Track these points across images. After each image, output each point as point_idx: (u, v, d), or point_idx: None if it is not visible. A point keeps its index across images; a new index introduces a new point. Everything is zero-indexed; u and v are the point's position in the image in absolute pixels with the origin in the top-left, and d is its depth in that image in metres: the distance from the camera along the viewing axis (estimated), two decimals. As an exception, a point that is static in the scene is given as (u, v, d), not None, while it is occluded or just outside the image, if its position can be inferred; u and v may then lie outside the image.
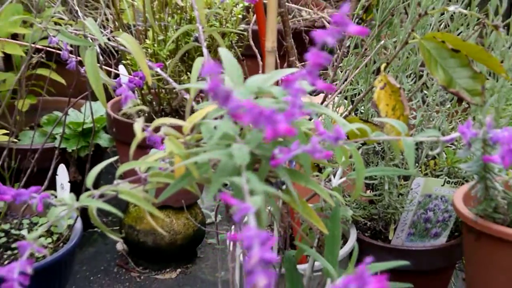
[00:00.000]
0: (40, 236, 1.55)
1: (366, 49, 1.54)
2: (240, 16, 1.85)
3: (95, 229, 2.11)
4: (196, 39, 1.11)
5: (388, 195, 1.63)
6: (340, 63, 1.53)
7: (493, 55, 1.35)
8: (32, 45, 1.70)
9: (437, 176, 1.65)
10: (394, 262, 1.05)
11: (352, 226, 1.62)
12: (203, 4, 1.13)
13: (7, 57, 2.34)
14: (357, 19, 1.52)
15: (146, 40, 1.85)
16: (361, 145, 1.59)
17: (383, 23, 1.52)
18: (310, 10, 2.59)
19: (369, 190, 1.69)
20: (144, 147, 0.87)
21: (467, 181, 1.61)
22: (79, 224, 1.62)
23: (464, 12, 1.25)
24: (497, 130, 0.79)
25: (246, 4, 1.86)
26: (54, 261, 1.51)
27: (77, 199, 0.79)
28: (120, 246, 2.04)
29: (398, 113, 1.20)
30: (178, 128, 0.81)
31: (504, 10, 1.45)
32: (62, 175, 1.62)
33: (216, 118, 0.78)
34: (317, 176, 1.25)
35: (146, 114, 1.89)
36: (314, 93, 1.65)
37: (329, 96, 1.49)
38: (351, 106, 1.48)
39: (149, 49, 1.83)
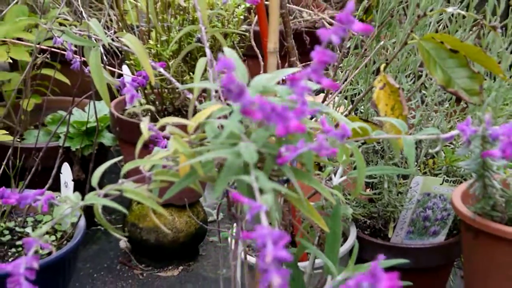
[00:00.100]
0: (44, 234, 1.57)
1: (366, 50, 1.55)
2: (242, 17, 1.85)
3: (99, 227, 2.12)
4: (199, 40, 1.12)
5: (387, 193, 1.64)
6: (340, 63, 1.53)
7: (491, 56, 1.36)
8: (37, 45, 1.71)
9: (436, 175, 1.66)
10: (394, 260, 1.05)
11: (352, 224, 1.62)
12: (205, 5, 1.13)
13: (13, 58, 2.36)
14: (357, 20, 1.53)
15: (149, 40, 1.85)
16: (361, 144, 1.60)
17: (383, 24, 1.53)
18: (311, 12, 2.59)
19: (369, 189, 1.69)
20: (147, 146, 0.88)
21: (465, 179, 1.62)
22: (82, 222, 1.62)
23: (462, 13, 1.26)
24: (496, 127, 0.80)
25: (248, 5, 1.87)
26: (58, 258, 1.52)
27: (82, 198, 0.80)
28: (123, 244, 2.04)
29: (397, 113, 1.21)
30: (182, 127, 0.82)
31: (501, 12, 1.46)
32: (66, 173, 1.63)
33: (219, 118, 0.78)
34: (318, 174, 1.26)
35: (149, 114, 1.90)
36: (313, 92, 1.66)
37: (330, 95, 1.50)
38: (351, 106, 1.49)
39: (152, 50, 1.83)
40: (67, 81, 2.15)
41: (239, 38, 1.91)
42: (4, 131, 1.83)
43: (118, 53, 2.16)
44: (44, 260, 1.49)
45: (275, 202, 0.81)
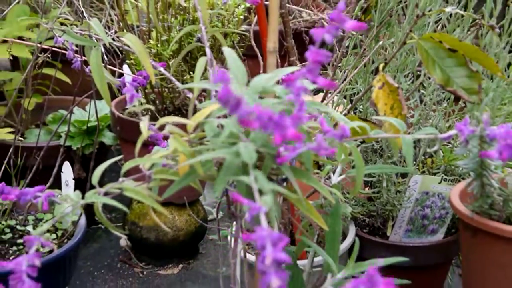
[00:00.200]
0: (45, 232, 1.58)
1: (365, 49, 1.56)
2: (241, 17, 1.85)
3: (99, 225, 2.12)
4: (199, 40, 1.12)
5: (386, 192, 1.65)
6: (339, 63, 1.54)
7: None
8: (38, 45, 1.72)
9: (434, 174, 1.66)
10: (392, 258, 1.05)
11: (351, 222, 1.63)
12: (206, 5, 1.13)
13: (14, 57, 2.36)
14: (356, 20, 1.53)
15: (149, 40, 1.85)
16: (360, 143, 1.61)
17: (382, 24, 1.53)
18: (310, 12, 2.60)
19: (367, 188, 1.70)
20: (148, 145, 0.88)
21: (463, 178, 1.62)
22: (83, 221, 1.63)
23: (460, 13, 1.27)
24: (493, 127, 0.81)
25: (248, 5, 1.87)
26: (59, 256, 1.53)
27: (82, 196, 0.80)
28: (124, 242, 2.05)
29: (396, 112, 1.21)
30: (182, 127, 0.82)
31: (498, 12, 1.47)
32: (67, 172, 1.64)
33: (219, 117, 0.79)
34: (317, 173, 1.26)
35: (150, 113, 1.91)
36: (312, 91, 1.67)
37: (329, 95, 1.51)
38: (350, 105, 1.50)
39: (152, 49, 1.84)
40: (68, 80, 2.15)
41: (239, 38, 1.91)
42: (8, 129, 1.84)
43: (119, 53, 2.17)
44: (45, 258, 1.50)
45: (274, 202, 0.82)
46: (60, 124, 1.85)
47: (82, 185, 1.76)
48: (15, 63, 2.42)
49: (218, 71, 0.67)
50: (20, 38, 2.05)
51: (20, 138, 1.95)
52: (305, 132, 0.79)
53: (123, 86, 1.18)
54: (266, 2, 1.21)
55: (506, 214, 1.41)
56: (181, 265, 1.97)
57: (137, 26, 1.95)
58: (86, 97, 1.79)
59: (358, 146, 1.60)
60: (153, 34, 1.87)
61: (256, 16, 1.41)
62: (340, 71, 1.62)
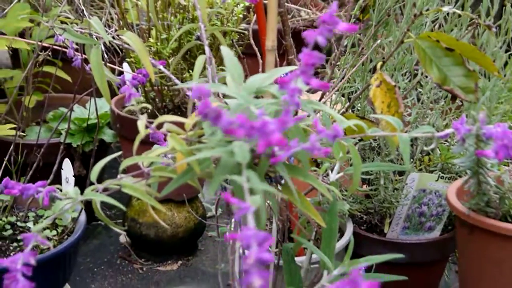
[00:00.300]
0: (45, 229, 1.59)
1: (363, 48, 1.56)
2: (241, 15, 1.86)
3: (99, 222, 2.12)
4: (198, 38, 1.13)
5: (383, 189, 1.65)
6: (337, 61, 1.54)
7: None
8: (39, 43, 1.73)
9: (431, 172, 1.67)
10: (389, 255, 1.06)
11: (349, 219, 1.64)
12: (205, 4, 1.14)
13: (15, 55, 2.37)
14: (354, 19, 1.54)
15: (149, 38, 1.86)
16: (357, 141, 1.62)
17: (380, 23, 1.54)
18: (309, 10, 2.60)
19: (365, 185, 1.70)
20: (147, 143, 0.89)
21: (460, 176, 1.63)
22: (83, 217, 1.63)
23: (458, 13, 1.28)
24: (490, 126, 0.81)
25: (247, 4, 1.87)
26: (59, 253, 1.52)
27: (82, 193, 0.81)
28: (123, 238, 2.05)
29: (393, 110, 1.22)
30: (181, 125, 0.83)
31: (495, 12, 1.48)
32: (67, 169, 1.64)
33: None
34: (315, 171, 1.26)
35: (149, 111, 1.91)
36: (311, 90, 1.68)
37: (327, 93, 1.52)
38: (348, 103, 1.50)
39: (152, 48, 1.84)
40: (68, 78, 2.16)
41: (238, 36, 1.92)
42: (9, 125, 1.84)
43: (119, 51, 2.18)
44: (45, 255, 1.50)
45: (270, 198, 0.83)
46: (60, 122, 1.85)
47: (82, 182, 1.77)
48: (15, 61, 2.42)
49: (195, 87, 0.67)
50: (21, 36, 2.06)
51: (21, 136, 1.96)
52: (301, 131, 0.80)
53: (123, 84, 1.19)
54: (265, 1, 1.21)
55: (502, 212, 1.42)
56: (180, 262, 1.98)
57: (137, 25, 1.95)
58: (86, 95, 1.80)
59: (356, 144, 1.60)
60: (153, 32, 1.87)
61: (255, 15, 1.42)
62: (339, 70, 1.62)
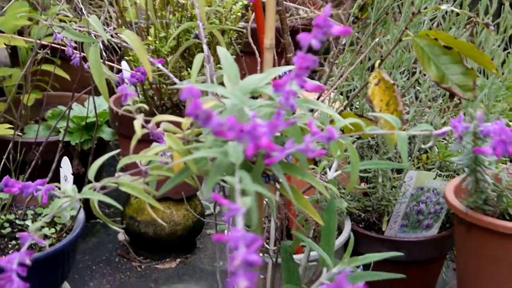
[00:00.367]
0: (44, 227, 1.59)
1: (361, 47, 1.56)
2: (239, 14, 1.86)
3: (98, 220, 2.12)
4: (197, 36, 1.13)
5: (381, 187, 1.66)
6: (336, 59, 1.55)
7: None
8: (38, 41, 1.72)
9: (429, 170, 1.67)
10: (387, 252, 1.06)
11: (347, 217, 1.64)
12: (203, 2, 1.14)
13: (14, 53, 2.36)
14: (353, 18, 1.54)
15: (148, 37, 1.86)
16: (356, 139, 1.62)
17: (378, 22, 1.54)
18: (307, 9, 2.60)
19: (363, 183, 1.71)
20: (146, 141, 0.88)
21: (458, 174, 1.64)
22: (81, 215, 1.63)
23: (456, 11, 1.28)
24: (487, 124, 0.82)
25: (245, 2, 1.87)
26: (57, 250, 1.52)
27: (80, 191, 0.81)
28: (122, 236, 2.06)
29: (392, 108, 1.22)
30: (178, 124, 0.83)
31: (493, 10, 1.48)
32: (66, 167, 1.64)
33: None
34: (313, 169, 1.26)
35: (147, 109, 1.91)
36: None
37: (325, 91, 1.52)
38: (346, 102, 1.51)
39: (151, 46, 1.84)
40: (67, 76, 2.16)
41: (237, 34, 1.92)
42: (7, 125, 1.84)
43: (118, 49, 2.18)
44: (44, 252, 1.50)
45: (268, 197, 0.83)
46: (59, 120, 1.85)
47: (81, 180, 1.77)
48: (14, 60, 2.42)
49: (185, 88, 0.67)
50: (20, 34, 2.06)
51: (20, 134, 1.96)
52: (299, 130, 0.80)
53: (121, 82, 1.19)
54: (263, 0, 1.22)
55: (500, 209, 1.42)
56: (178, 259, 1.98)
57: (136, 23, 1.95)
58: (84, 93, 1.79)
59: (354, 142, 1.60)
60: (152, 30, 1.87)
61: (254, 13, 1.42)
62: (337, 68, 1.63)
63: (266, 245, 1.32)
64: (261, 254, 1.25)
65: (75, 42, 1.33)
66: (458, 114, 0.86)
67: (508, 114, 1.58)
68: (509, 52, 1.58)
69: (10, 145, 1.69)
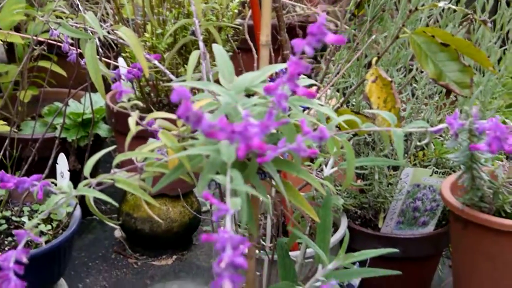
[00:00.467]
0: (40, 223, 1.59)
1: (358, 44, 1.57)
2: (236, 11, 1.86)
3: (94, 217, 2.12)
4: (193, 33, 1.13)
5: (378, 184, 1.66)
6: (332, 56, 1.55)
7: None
8: (34, 37, 1.72)
9: (426, 167, 1.67)
10: (383, 249, 1.06)
11: (343, 214, 1.64)
12: (200, -1, 1.15)
13: (10, 50, 2.36)
14: (349, 15, 1.55)
15: (145, 33, 1.86)
16: (352, 136, 1.62)
17: (375, 19, 1.54)
18: (304, 6, 2.60)
19: (359, 180, 1.71)
20: (142, 137, 0.88)
21: (454, 171, 1.63)
22: (78, 212, 1.63)
23: (453, 8, 1.28)
24: (482, 121, 0.82)
25: (242, -1, 1.88)
26: (54, 247, 1.53)
27: (76, 187, 0.81)
28: (118, 233, 2.06)
29: (390, 106, 1.22)
30: (174, 120, 0.83)
31: (490, 7, 1.48)
32: (62, 164, 1.64)
33: (212, 111, 0.79)
34: (309, 166, 1.26)
35: (144, 106, 1.91)
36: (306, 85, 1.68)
37: (322, 88, 1.52)
38: (343, 99, 1.51)
39: (147, 42, 1.84)
40: (63, 73, 2.16)
41: (233, 31, 1.92)
42: (2, 122, 1.84)
43: (114, 46, 2.18)
44: (40, 249, 1.50)
45: (263, 194, 0.83)
46: (55, 116, 1.85)
47: (77, 176, 1.78)
48: (11, 56, 2.42)
49: (175, 90, 0.66)
50: (16, 31, 2.06)
51: (16, 130, 1.96)
52: (293, 127, 0.80)
53: (118, 79, 1.19)
54: (260, -4, 1.21)
55: (496, 207, 1.42)
56: (175, 256, 1.98)
57: (132, 20, 1.95)
58: (81, 89, 1.80)
59: (350, 139, 1.61)
60: (148, 27, 1.87)
61: (250, 10, 1.42)
62: (333, 65, 1.63)
63: (262, 242, 1.32)
64: (257, 251, 1.25)
65: (72, 38, 1.34)
66: (454, 111, 0.86)
67: (504, 111, 1.59)
68: (505, 49, 1.59)
69: (7, 141, 1.70)
